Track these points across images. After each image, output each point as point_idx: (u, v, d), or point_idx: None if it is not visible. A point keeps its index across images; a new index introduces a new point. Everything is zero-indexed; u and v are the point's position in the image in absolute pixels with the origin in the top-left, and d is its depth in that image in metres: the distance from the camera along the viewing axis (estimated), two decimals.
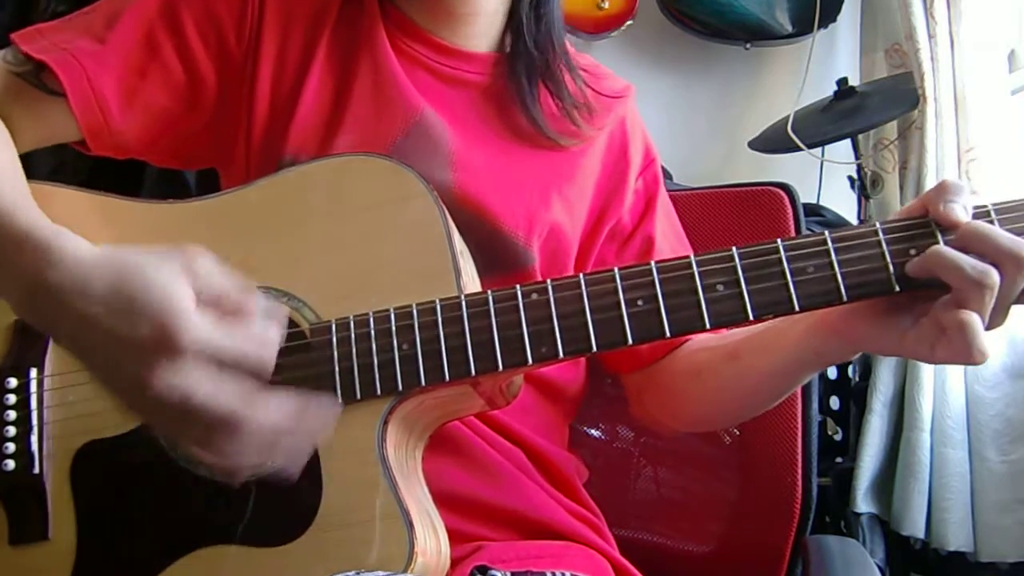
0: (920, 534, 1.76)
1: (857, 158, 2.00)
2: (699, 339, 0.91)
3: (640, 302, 0.68)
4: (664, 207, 0.97)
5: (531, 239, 0.84)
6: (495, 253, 0.82)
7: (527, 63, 0.86)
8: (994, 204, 0.66)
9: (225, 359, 0.59)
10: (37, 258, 0.62)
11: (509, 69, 0.87)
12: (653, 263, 0.69)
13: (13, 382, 0.75)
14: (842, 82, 1.88)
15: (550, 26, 0.87)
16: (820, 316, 0.73)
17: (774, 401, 0.87)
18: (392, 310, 0.70)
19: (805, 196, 1.36)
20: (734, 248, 0.68)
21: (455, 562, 0.74)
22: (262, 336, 0.61)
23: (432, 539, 0.68)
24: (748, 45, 2.13)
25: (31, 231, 0.64)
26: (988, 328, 0.65)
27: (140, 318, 0.58)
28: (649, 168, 0.96)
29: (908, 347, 0.67)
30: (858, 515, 1.84)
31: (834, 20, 2.09)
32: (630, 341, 0.68)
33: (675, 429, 0.98)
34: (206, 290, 0.60)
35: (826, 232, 0.67)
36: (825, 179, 2.09)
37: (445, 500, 0.75)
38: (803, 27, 2.07)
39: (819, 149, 1.95)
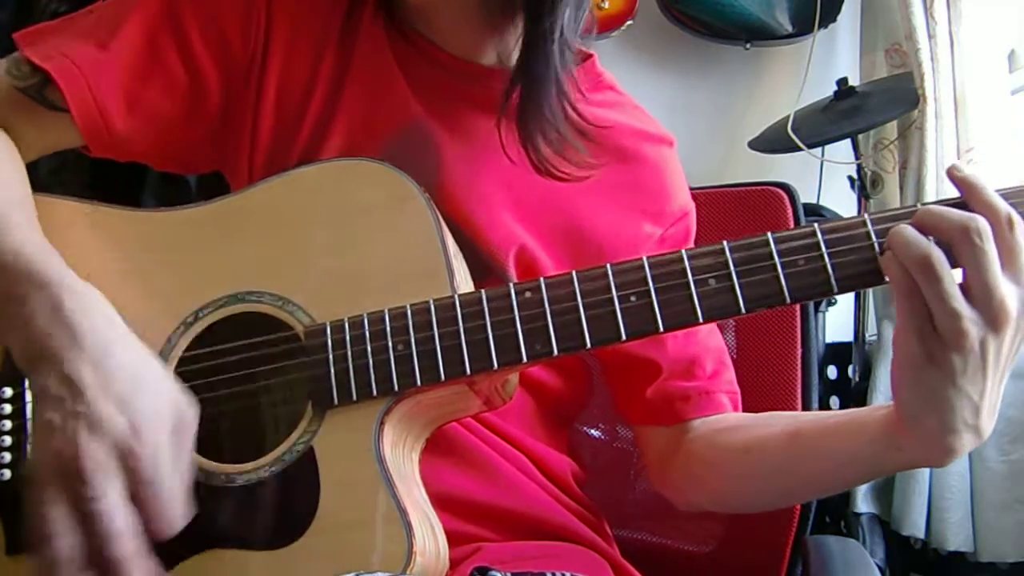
0: (920, 534, 1.76)
1: (857, 158, 2.00)
2: (732, 417, 0.87)
3: (633, 298, 0.68)
4: None
5: (508, 255, 0.83)
6: (477, 263, 0.81)
7: (528, 83, 0.80)
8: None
9: (155, 491, 0.63)
10: (76, 302, 0.65)
11: (509, 85, 0.81)
12: (645, 259, 0.68)
13: (8, 392, 0.75)
14: (842, 82, 1.88)
15: (565, 44, 0.79)
16: (894, 413, 0.69)
17: (826, 492, 0.84)
18: (387, 311, 0.70)
19: (805, 196, 1.36)
20: (725, 242, 0.68)
21: (454, 563, 0.74)
22: (185, 507, 0.65)
23: (431, 540, 0.68)
24: (748, 45, 2.12)
25: (68, 276, 0.67)
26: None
27: (126, 409, 0.62)
28: (681, 221, 0.92)
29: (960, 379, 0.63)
30: (858, 515, 1.84)
31: (834, 20, 2.09)
32: (624, 337, 0.68)
33: (700, 505, 0.91)
34: (181, 437, 0.66)
35: (815, 224, 0.67)
36: (825, 179, 2.09)
37: (444, 502, 0.75)
38: (803, 27, 2.07)
39: (819, 149, 1.95)
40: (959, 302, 0.61)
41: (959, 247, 0.62)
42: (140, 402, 0.63)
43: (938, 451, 0.67)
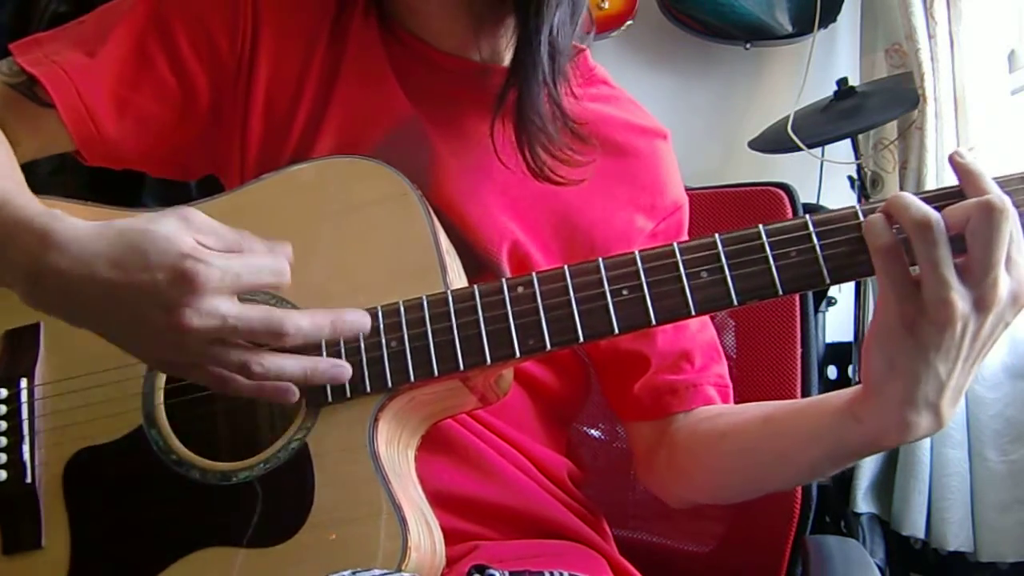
0: (920, 534, 1.76)
1: (857, 158, 2.00)
2: (715, 408, 0.88)
3: (625, 291, 0.68)
4: None
5: (501, 251, 0.83)
6: (471, 259, 0.81)
7: (520, 85, 0.79)
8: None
9: (243, 280, 0.64)
10: (35, 244, 0.64)
11: (504, 86, 0.81)
12: (637, 252, 0.69)
13: (3, 392, 0.75)
14: (842, 82, 1.88)
15: (555, 47, 0.78)
16: (860, 388, 0.70)
17: (795, 477, 0.84)
18: (380, 308, 0.70)
19: (805, 196, 1.36)
20: (717, 235, 0.68)
21: (452, 561, 0.75)
22: (272, 254, 0.67)
23: (427, 536, 0.68)
24: (748, 45, 2.13)
25: (27, 219, 0.66)
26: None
27: (155, 268, 0.62)
28: (673, 215, 0.92)
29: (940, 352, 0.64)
30: (858, 515, 1.84)
31: (834, 20, 2.09)
32: (616, 330, 0.68)
33: (683, 498, 0.92)
34: (205, 234, 0.64)
35: (807, 216, 0.67)
36: (825, 179, 2.09)
37: (441, 499, 0.75)
38: (803, 27, 2.07)
39: (819, 149, 1.95)
40: (951, 271, 0.61)
41: (977, 221, 0.61)
42: (151, 256, 0.62)
43: (895, 425, 0.67)
